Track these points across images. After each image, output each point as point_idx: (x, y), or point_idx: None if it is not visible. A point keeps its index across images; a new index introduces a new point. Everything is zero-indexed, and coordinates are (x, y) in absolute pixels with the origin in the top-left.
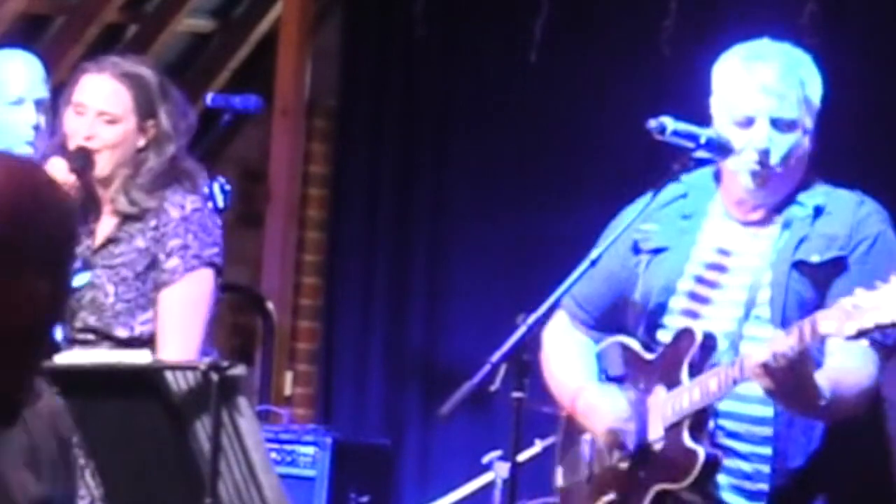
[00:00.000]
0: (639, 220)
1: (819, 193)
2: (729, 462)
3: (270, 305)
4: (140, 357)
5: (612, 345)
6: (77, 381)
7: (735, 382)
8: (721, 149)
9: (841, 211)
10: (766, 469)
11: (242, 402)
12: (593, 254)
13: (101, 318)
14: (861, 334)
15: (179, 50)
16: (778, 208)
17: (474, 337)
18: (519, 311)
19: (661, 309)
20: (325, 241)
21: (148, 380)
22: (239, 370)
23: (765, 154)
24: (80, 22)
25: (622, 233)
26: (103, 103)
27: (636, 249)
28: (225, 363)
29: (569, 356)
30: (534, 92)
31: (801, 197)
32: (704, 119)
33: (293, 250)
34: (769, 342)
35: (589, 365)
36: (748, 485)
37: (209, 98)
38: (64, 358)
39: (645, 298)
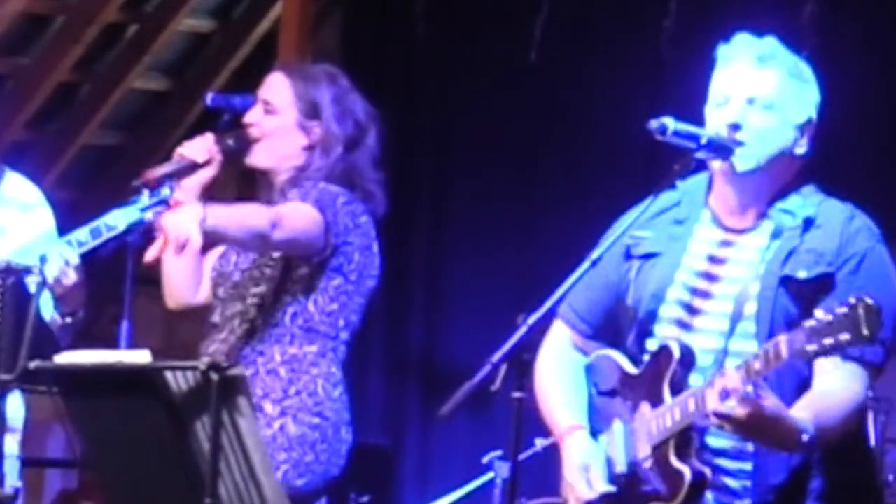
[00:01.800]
0: (636, 224)
1: (810, 203)
2: (716, 479)
3: None
4: (140, 357)
5: (601, 357)
6: (77, 381)
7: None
8: (722, 149)
9: (831, 225)
10: (749, 485)
11: (242, 402)
12: (593, 255)
13: (225, 288)
14: (820, 353)
15: (179, 50)
16: (764, 214)
17: (474, 337)
18: (519, 311)
19: (651, 317)
20: None
21: (148, 380)
22: (239, 370)
23: (734, 128)
24: (80, 22)
25: (621, 235)
26: (266, 93)
27: (628, 255)
28: (225, 363)
29: (562, 386)
30: (534, 92)
31: (790, 204)
32: (704, 119)
33: None
34: (720, 378)
35: (580, 397)
36: (736, 502)
37: (209, 98)
38: (64, 358)
39: (636, 305)
